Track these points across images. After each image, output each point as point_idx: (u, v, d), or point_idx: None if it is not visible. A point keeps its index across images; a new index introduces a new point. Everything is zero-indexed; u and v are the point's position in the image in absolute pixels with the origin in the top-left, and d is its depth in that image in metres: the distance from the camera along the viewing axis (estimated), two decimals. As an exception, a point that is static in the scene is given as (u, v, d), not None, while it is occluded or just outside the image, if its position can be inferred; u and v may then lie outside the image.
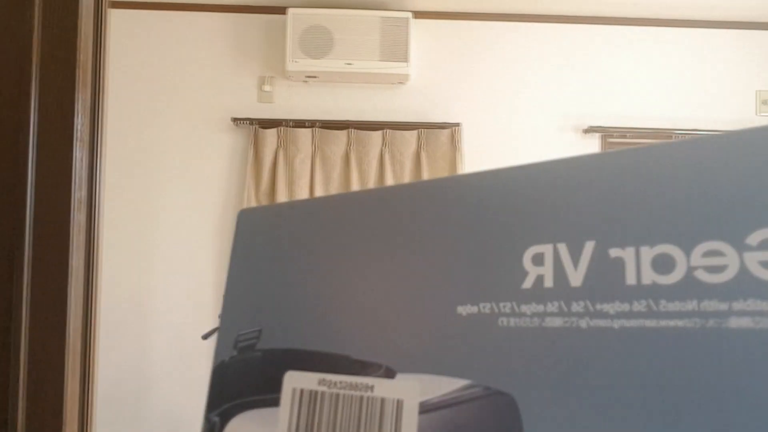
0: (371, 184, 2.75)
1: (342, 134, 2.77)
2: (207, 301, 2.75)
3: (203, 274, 2.76)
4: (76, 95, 0.85)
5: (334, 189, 2.76)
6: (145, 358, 2.71)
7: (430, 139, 2.77)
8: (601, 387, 0.20)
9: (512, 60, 2.88)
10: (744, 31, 2.91)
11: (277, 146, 2.75)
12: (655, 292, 0.20)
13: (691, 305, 0.19)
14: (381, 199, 0.28)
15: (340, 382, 0.25)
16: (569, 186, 0.23)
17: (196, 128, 2.81)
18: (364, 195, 0.28)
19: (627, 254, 0.21)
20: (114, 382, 2.70)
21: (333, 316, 0.27)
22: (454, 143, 2.76)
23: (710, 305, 0.19)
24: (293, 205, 0.31)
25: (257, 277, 0.30)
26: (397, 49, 2.72)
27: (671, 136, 2.82)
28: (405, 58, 2.71)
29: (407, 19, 2.73)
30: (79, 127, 0.85)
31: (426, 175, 2.75)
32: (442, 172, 2.76)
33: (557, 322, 0.21)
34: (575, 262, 0.22)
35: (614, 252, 0.21)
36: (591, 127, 2.81)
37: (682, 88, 2.89)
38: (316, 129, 2.76)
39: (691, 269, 0.19)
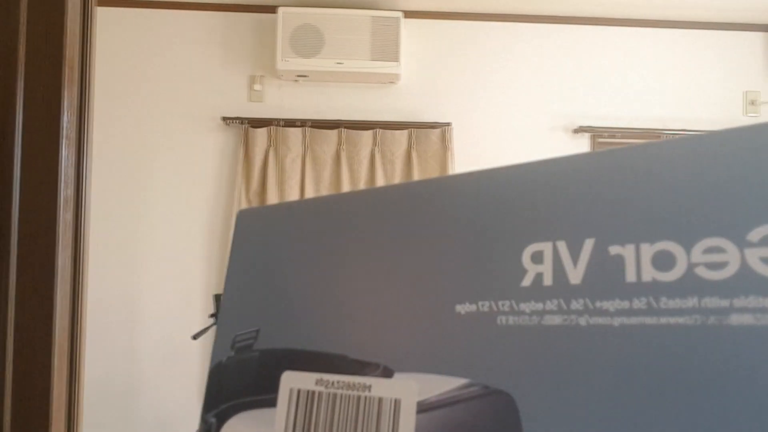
0: (362, 183, 2.74)
1: (333, 134, 2.76)
2: (197, 301, 2.74)
3: (193, 273, 2.75)
4: (63, 93, 0.84)
5: (325, 188, 2.76)
6: (134, 358, 2.70)
7: (421, 138, 2.78)
8: (600, 385, 0.20)
9: (503, 60, 2.89)
10: (732, 32, 2.93)
11: (268, 145, 2.74)
12: (655, 289, 0.20)
13: (691, 302, 0.19)
14: (379, 199, 0.28)
15: (338, 382, 0.25)
16: (569, 184, 0.23)
17: (186, 127, 2.79)
18: (362, 195, 0.28)
19: (627, 251, 0.21)
20: (103, 382, 2.68)
21: (331, 316, 0.27)
22: (444, 143, 2.76)
23: (711, 302, 0.19)
24: (292, 206, 0.30)
25: (255, 278, 0.30)
26: (387, 48, 2.72)
27: (660, 136, 2.84)
28: (396, 58, 2.71)
29: (398, 18, 2.73)
30: (65, 125, 0.84)
31: (417, 175, 2.75)
32: (433, 172, 2.77)
33: (556, 320, 0.21)
34: (575, 259, 0.21)
35: (614, 249, 0.21)
36: (581, 127, 2.82)
37: (671, 88, 2.91)
38: (307, 128, 2.76)
39: (691, 266, 0.19)
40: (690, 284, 0.19)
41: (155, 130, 2.78)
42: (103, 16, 2.81)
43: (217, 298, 2.47)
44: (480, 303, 0.23)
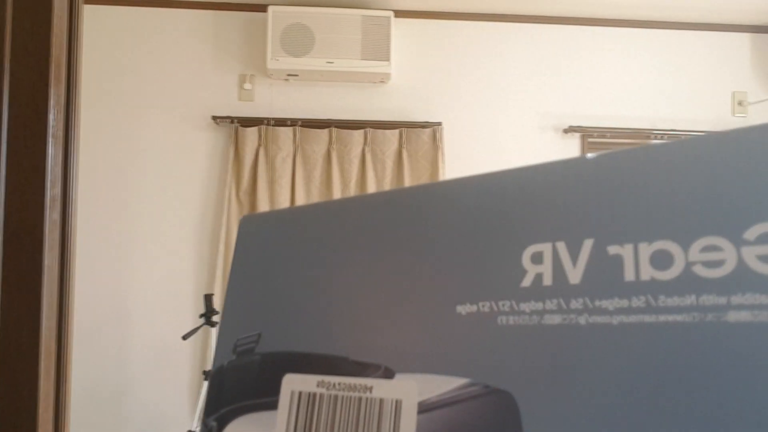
0: (353, 183, 2.74)
1: (323, 133, 2.76)
2: (186, 301, 2.72)
3: (183, 273, 2.73)
4: (50, 91, 0.83)
5: (316, 188, 2.75)
6: (124, 358, 2.68)
7: (412, 138, 2.78)
8: (600, 383, 0.20)
9: (493, 60, 2.89)
10: (721, 33, 2.96)
11: (258, 145, 2.73)
12: (653, 287, 0.20)
13: (689, 300, 0.19)
14: (380, 203, 0.28)
15: (339, 384, 0.25)
16: (567, 186, 0.23)
17: (176, 126, 2.78)
18: (363, 200, 0.29)
19: (625, 251, 0.21)
20: (93, 383, 2.66)
21: (332, 318, 0.27)
22: (435, 142, 2.77)
23: (709, 299, 0.19)
24: (294, 211, 0.31)
25: (258, 282, 0.30)
26: (378, 48, 2.71)
27: (650, 136, 2.86)
28: (386, 57, 2.71)
29: (389, 18, 2.73)
30: (52, 124, 0.83)
31: (407, 174, 2.75)
32: (424, 171, 2.77)
33: (556, 319, 0.21)
34: (574, 260, 0.22)
35: (613, 249, 0.21)
36: (571, 127, 2.84)
37: (661, 88, 2.93)
38: (297, 128, 2.75)
39: (689, 264, 0.20)
40: (688, 282, 0.19)
41: (145, 129, 2.77)
42: (91, 13, 2.78)
43: (208, 298, 2.45)
44: (480, 303, 0.23)
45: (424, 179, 2.76)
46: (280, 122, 2.75)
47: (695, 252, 0.20)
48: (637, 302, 0.20)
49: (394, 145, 2.77)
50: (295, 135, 2.75)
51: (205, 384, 2.39)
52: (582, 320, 0.21)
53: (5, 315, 0.81)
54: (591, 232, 0.22)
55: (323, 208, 0.30)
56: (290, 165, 2.74)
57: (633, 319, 0.20)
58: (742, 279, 0.18)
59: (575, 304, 0.21)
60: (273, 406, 0.27)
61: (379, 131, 2.76)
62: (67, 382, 0.89)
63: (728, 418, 0.17)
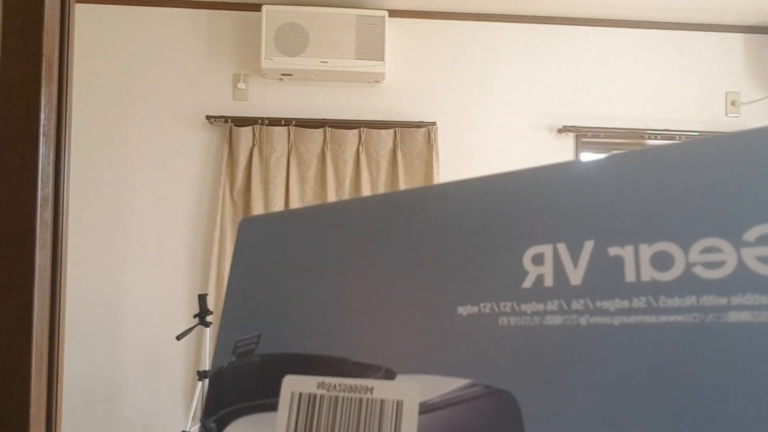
0: (347, 182, 2.74)
1: (318, 133, 2.75)
2: (180, 302, 2.71)
3: (177, 273, 2.72)
4: (41, 90, 0.83)
5: (310, 188, 2.75)
6: (117, 359, 2.67)
7: (406, 137, 2.78)
8: (601, 383, 0.20)
9: (487, 59, 2.90)
10: (714, 33, 2.97)
11: (252, 144, 2.73)
12: (654, 288, 0.20)
13: (690, 300, 0.19)
14: (380, 205, 0.28)
15: (340, 385, 0.25)
16: (568, 188, 0.23)
17: (170, 126, 2.77)
18: (363, 201, 0.29)
19: (626, 252, 0.21)
20: (86, 383, 2.65)
21: (333, 319, 0.27)
22: (429, 142, 2.77)
23: (709, 300, 0.19)
24: (294, 213, 0.31)
25: (257, 284, 0.30)
26: (372, 47, 2.71)
27: (643, 136, 2.87)
28: (381, 57, 2.71)
29: (383, 17, 2.73)
30: (43, 123, 0.83)
31: (402, 174, 2.75)
32: (418, 171, 2.77)
33: (557, 320, 0.21)
34: (575, 261, 0.22)
35: (613, 250, 0.21)
36: (565, 126, 2.84)
37: (654, 89, 2.94)
38: (292, 127, 2.75)
39: (689, 265, 0.20)
40: (688, 283, 0.20)
41: (138, 129, 2.75)
42: (85, 12, 2.77)
43: (202, 298, 2.45)
44: (482, 304, 0.23)
45: (418, 179, 2.76)
46: (275, 122, 2.75)
47: (695, 253, 0.20)
48: (638, 303, 0.20)
49: (389, 145, 2.77)
50: (289, 135, 2.75)
51: (199, 385, 2.38)
52: (583, 321, 0.21)
53: (-4, 315, 0.80)
54: (592, 234, 0.22)
55: (323, 210, 0.30)
56: (284, 165, 2.73)
57: (634, 319, 0.20)
58: (742, 280, 0.19)
59: (576, 304, 0.21)
60: (273, 407, 0.26)
61: (374, 131, 2.76)
62: (59, 383, 0.89)
63: (729, 417, 0.18)
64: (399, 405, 0.23)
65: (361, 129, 2.76)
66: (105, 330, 2.67)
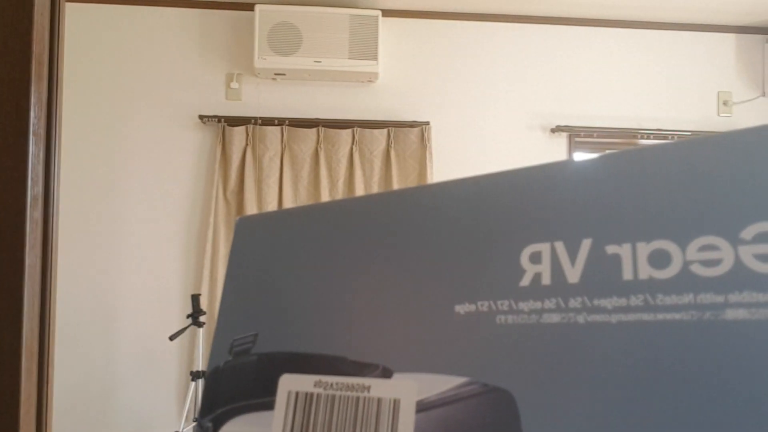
0: (341, 182, 2.74)
1: (311, 132, 2.75)
2: (173, 302, 2.70)
3: (170, 273, 2.71)
4: (31, 88, 0.82)
5: (303, 188, 2.74)
6: (110, 359, 2.65)
7: (400, 137, 2.78)
8: (599, 381, 0.20)
9: (481, 59, 2.90)
10: (706, 33, 2.99)
11: (246, 144, 2.72)
12: (651, 286, 0.20)
13: (687, 298, 0.19)
14: (377, 204, 0.28)
15: (336, 384, 0.25)
16: (566, 187, 0.23)
17: (163, 126, 2.76)
18: (360, 201, 0.29)
19: (623, 250, 0.21)
20: (79, 384, 2.63)
21: (330, 318, 0.27)
22: (423, 142, 2.77)
23: (706, 298, 0.19)
24: (290, 212, 0.31)
25: (254, 282, 0.30)
26: (366, 47, 2.71)
27: (636, 136, 2.88)
28: (374, 57, 2.71)
29: (376, 17, 2.72)
30: (33, 121, 0.82)
31: (395, 174, 2.75)
32: (412, 171, 2.77)
33: (555, 318, 0.21)
34: (572, 259, 0.22)
35: (611, 249, 0.21)
36: (558, 126, 2.85)
37: (647, 88, 2.95)
38: (285, 127, 2.74)
39: (687, 263, 0.20)
40: (686, 281, 0.20)
41: (131, 128, 2.74)
42: (77, 11, 2.76)
43: (195, 298, 2.44)
44: (479, 303, 0.23)
45: (412, 178, 2.76)
46: (268, 121, 2.74)
47: (693, 251, 0.20)
48: (636, 301, 0.20)
49: (382, 145, 2.77)
50: (282, 134, 2.74)
51: (193, 385, 2.37)
52: (581, 319, 0.21)
53: (-14, 315, 0.79)
54: (589, 232, 0.22)
55: (320, 210, 0.30)
56: (278, 164, 2.73)
57: (631, 317, 0.20)
58: (740, 277, 0.19)
59: (574, 303, 0.21)
60: (270, 406, 0.26)
61: (367, 130, 2.76)
62: (50, 383, 0.88)
63: (727, 415, 0.18)
64: (396, 403, 0.23)
65: (355, 129, 2.76)
66: (98, 330, 2.66)
